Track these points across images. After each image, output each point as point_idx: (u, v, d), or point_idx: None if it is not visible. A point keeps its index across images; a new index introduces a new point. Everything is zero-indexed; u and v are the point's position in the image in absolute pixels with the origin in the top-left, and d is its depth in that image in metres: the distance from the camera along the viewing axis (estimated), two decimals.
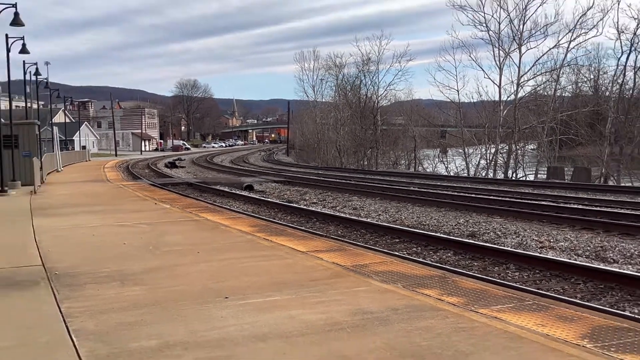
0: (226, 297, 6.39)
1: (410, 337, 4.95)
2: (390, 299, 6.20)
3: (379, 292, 6.51)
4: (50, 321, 5.75)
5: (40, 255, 9.32)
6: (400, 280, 7.00)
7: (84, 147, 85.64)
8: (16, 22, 23.40)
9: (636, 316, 7.45)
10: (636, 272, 10.20)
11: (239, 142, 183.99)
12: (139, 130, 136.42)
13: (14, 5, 22.97)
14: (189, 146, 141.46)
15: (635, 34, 39.49)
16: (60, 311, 6.07)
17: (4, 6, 22.65)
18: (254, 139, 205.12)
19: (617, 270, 10.06)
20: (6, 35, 27.04)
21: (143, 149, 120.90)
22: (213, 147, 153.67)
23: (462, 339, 4.86)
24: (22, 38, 28.44)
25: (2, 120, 24.86)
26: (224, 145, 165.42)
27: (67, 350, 4.87)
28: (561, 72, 45.07)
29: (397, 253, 11.47)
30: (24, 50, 29.39)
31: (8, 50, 26.65)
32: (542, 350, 4.59)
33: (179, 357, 4.62)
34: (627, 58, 40.31)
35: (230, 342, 4.94)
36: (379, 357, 4.50)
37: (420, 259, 11.18)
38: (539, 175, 41.61)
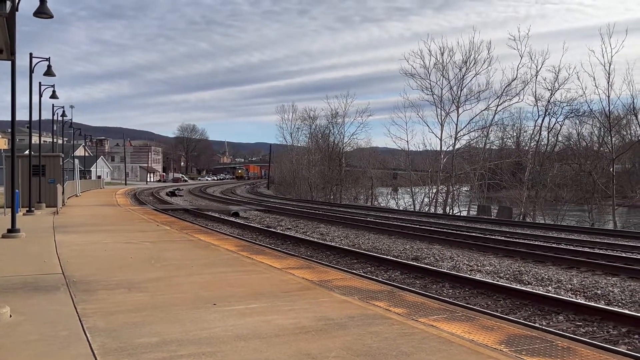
0: (214, 304, 6.38)
1: (363, 339, 5.00)
2: (348, 308, 6.25)
3: (339, 302, 6.55)
4: (68, 319, 5.68)
5: (60, 265, 9.21)
6: (357, 294, 7.06)
7: (99, 177, 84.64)
8: (49, 72, 23.27)
9: (544, 327, 7.58)
10: (545, 292, 10.40)
11: (228, 176, 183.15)
12: (146, 164, 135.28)
13: (48, 59, 22.92)
14: (186, 178, 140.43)
15: (549, 101, 40.56)
16: (77, 311, 6.01)
17: (39, 59, 22.55)
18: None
19: (530, 290, 10.24)
20: (39, 83, 27.02)
21: (148, 180, 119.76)
22: (207, 180, 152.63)
23: (404, 342, 4.93)
24: (53, 86, 28.34)
25: (33, 152, 24.52)
26: (216, 178, 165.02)
27: (82, 344, 4.83)
28: (490, 130, 46.00)
29: (354, 271, 11.51)
30: (53, 96, 29.17)
31: (40, 95, 26.65)
32: (468, 352, 4.67)
33: (175, 351, 4.61)
34: (542, 120, 41.38)
35: (217, 340, 4.95)
36: (338, 355, 4.54)
37: (374, 277, 11.24)
38: (470, 212, 42.08)
